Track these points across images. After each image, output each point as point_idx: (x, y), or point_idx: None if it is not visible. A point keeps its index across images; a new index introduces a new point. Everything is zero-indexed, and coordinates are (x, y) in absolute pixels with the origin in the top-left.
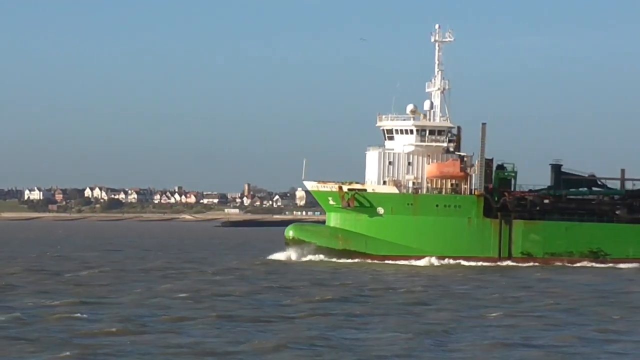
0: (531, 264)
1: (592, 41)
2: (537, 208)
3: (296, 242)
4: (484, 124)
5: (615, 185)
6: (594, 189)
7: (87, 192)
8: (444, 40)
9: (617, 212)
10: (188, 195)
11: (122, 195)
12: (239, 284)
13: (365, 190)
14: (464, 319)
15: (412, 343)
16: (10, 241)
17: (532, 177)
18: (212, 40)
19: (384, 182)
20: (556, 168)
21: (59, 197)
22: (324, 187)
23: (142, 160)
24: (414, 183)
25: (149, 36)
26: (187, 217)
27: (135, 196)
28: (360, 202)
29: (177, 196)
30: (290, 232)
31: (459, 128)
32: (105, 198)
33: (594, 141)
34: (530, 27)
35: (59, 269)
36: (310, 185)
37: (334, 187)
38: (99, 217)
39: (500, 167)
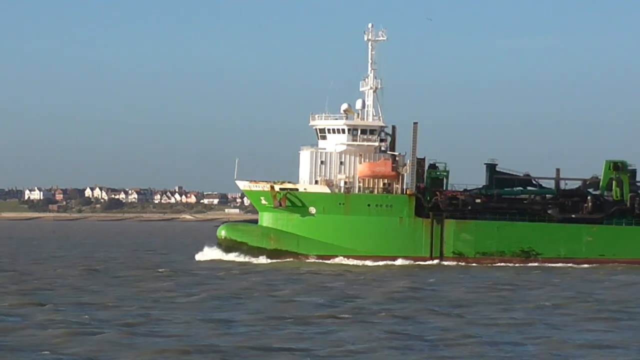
0: (463, 263)
1: (525, 42)
2: (469, 207)
3: (228, 242)
4: (415, 123)
5: (551, 185)
6: (528, 188)
7: (88, 192)
8: (377, 39)
9: (549, 212)
10: (188, 195)
11: (122, 195)
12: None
13: (296, 189)
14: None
15: None
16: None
17: (470, 177)
18: (213, 40)
19: (316, 182)
20: (491, 167)
21: (59, 197)
22: (256, 186)
23: (142, 160)
24: (345, 182)
25: (150, 36)
26: (188, 217)
27: (136, 196)
28: (292, 202)
29: (177, 196)
30: (222, 232)
31: (393, 127)
32: (106, 198)
33: (530, 141)
34: (466, 28)
35: None
36: (243, 185)
37: (266, 187)
38: (100, 217)
39: (433, 167)
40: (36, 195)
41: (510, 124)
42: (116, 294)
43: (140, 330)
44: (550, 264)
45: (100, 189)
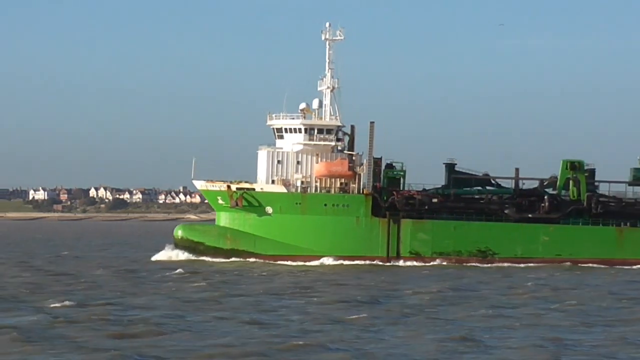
0: (420, 263)
1: (487, 40)
2: (426, 207)
3: (185, 242)
4: (371, 122)
5: (510, 184)
6: (486, 188)
7: (92, 192)
8: (334, 38)
9: (505, 212)
10: (193, 195)
11: (127, 195)
12: None
13: (253, 189)
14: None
15: None
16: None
17: (432, 177)
18: (214, 39)
19: (273, 181)
20: (450, 167)
21: (63, 197)
22: (213, 186)
23: (147, 160)
24: (302, 182)
25: (153, 35)
26: (192, 217)
27: (140, 196)
28: (249, 202)
29: (182, 196)
30: (179, 232)
31: (352, 127)
32: (110, 198)
33: (490, 141)
34: (426, 27)
35: None
36: (199, 185)
37: (223, 187)
38: (104, 217)
39: (389, 166)
40: (40, 195)
41: (472, 123)
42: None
43: None
44: (508, 264)
45: (105, 189)
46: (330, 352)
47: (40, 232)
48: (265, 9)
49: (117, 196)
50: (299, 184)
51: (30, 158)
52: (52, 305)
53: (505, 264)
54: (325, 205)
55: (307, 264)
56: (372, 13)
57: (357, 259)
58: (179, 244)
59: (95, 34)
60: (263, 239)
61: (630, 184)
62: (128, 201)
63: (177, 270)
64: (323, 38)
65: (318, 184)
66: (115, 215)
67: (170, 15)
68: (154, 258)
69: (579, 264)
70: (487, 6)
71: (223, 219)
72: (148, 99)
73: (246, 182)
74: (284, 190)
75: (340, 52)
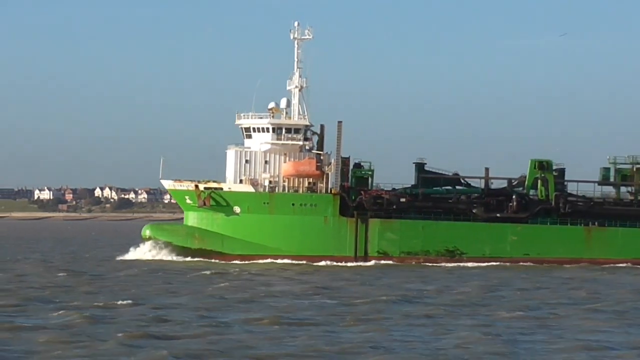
0: (389, 262)
1: (457, 40)
2: (394, 207)
3: (153, 242)
4: (339, 122)
5: (480, 184)
6: (456, 187)
7: (97, 192)
8: (303, 37)
9: (474, 211)
10: None
11: (132, 195)
12: None
13: (221, 189)
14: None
15: None
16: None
17: (402, 177)
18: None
19: (241, 181)
20: (419, 167)
21: (69, 196)
22: (181, 185)
23: (152, 160)
24: (270, 182)
25: (157, 34)
26: None
27: (145, 196)
28: (217, 201)
29: None
30: (147, 231)
31: (322, 126)
32: (115, 198)
33: (461, 140)
34: (393, 25)
35: None
36: (167, 184)
37: (190, 186)
38: (109, 216)
39: (358, 166)
40: (46, 195)
41: (444, 122)
42: None
43: None
44: (475, 263)
45: (110, 188)
46: None
47: (93, 230)
48: (234, 7)
49: (123, 196)
50: (266, 183)
51: (35, 158)
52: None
53: (473, 264)
54: (293, 204)
55: (277, 261)
56: (342, 12)
57: (325, 259)
58: (147, 244)
59: (106, 33)
60: (231, 239)
61: (599, 183)
62: (133, 201)
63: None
64: (292, 37)
65: (286, 184)
66: (120, 215)
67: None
68: (119, 258)
69: (546, 264)
70: (456, 5)
71: (191, 218)
72: (146, 100)
73: (214, 181)
74: (251, 189)
75: (309, 51)
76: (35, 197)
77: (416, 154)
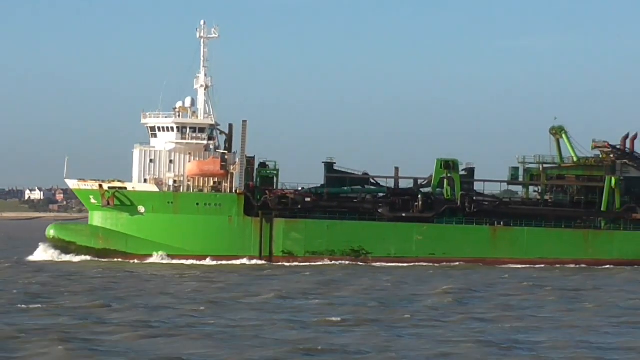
0: (293, 263)
1: (364, 37)
2: (299, 206)
3: (57, 242)
4: (244, 121)
5: (390, 183)
6: (364, 187)
7: None
8: (209, 36)
9: (379, 211)
10: None
11: None
12: None
13: (125, 188)
14: None
15: None
16: None
17: (314, 176)
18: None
19: (145, 180)
20: (328, 166)
21: (59, 197)
22: (85, 185)
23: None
24: (175, 181)
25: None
26: None
27: None
28: (121, 201)
29: None
30: (51, 232)
31: (230, 126)
32: None
33: (370, 140)
34: (304, 24)
35: None
36: (72, 184)
37: (95, 186)
38: None
39: (263, 165)
40: (37, 195)
41: (354, 122)
42: None
43: None
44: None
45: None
46: None
47: None
48: (140, 5)
49: None
50: (171, 183)
51: (26, 158)
52: None
53: (379, 264)
54: (198, 204)
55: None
56: (249, 10)
57: (230, 259)
58: (51, 244)
59: (103, 33)
60: (135, 239)
61: (508, 183)
62: None
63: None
64: (198, 36)
65: (191, 183)
66: None
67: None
68: (29, 258)
69: (452, 263)
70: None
71: (96, 218)
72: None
73: (119, 181)
74: (156, 189)
75: (215, 50)
76: (26, 197)
77: (328, 153)
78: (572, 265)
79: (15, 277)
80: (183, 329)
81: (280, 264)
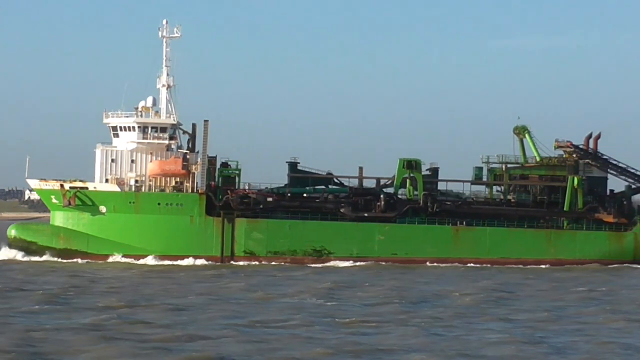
0: (254, 262)
1: (325, 36)
2: (261, 206)
3: (18, 242)
4: (205, 121)
5: (354, 183)
6: (322, 187)
7: None
8: (171, 36)
9: (341, 210)
10: None
11: None
12: None
13: (86, 188)
14: None
15: None
16: None
17: (280, 176)
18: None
19: (107, 180)
20: (292, 166)
21: None
22: (47, 185)
23: None
24: (136, 181)
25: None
26: None
27: None
28: (83, 201)
29: None
30: (12, 232)
31: (194, 125)
32: None
33: (334, 140)
34: (268, 21)
35: None
36: (33, 184)
37: (56, 186)
38: None
39: (225, 165)
40: (36, 195)
41: (318, 122)
42: None
43: None
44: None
45: None
46: None
47: None
48: (104, 3)
49: None
50: (132, 182)
51: (25, 158)
52: None
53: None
54: (159, 204)
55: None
56: (211, 9)
57: (192, 259)
58: (13, 244)
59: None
60: (96, 239)
61: (472, 183)
62: None
63: None
64: (160, 35)
65: (152, 183)
66: None
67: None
68: None
69: (415, 263)
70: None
71: (58, 218)
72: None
73: (80, 180)
74: (117, 189)
75: (178, 50)
76: (26, 197)
77: (294, 153)
78: (534, 266)
79: None
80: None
81: (240, 263)
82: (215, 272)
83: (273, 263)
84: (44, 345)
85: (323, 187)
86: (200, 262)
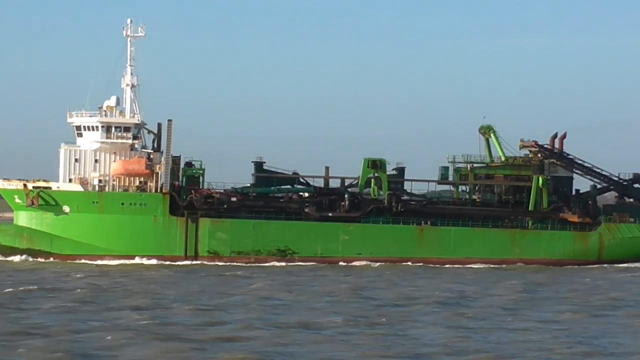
0: (218, 262)
1: (296, 38)
2: (225, 206)
3: None
4: (169, 120)
5: (319, 183)
6: (287, 186)
7: None
8: (136, 35)
9: (306, 210)
10: None
11: None
12: None
13: (50, 188)
14: None
15: None
16: None
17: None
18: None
19: (70, 180)
20: (258, 165)
21: None
22: (10, 184)
23: None
24: (100, 181)
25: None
26: None
27: None
28: (46, 201)
29: None
30: None
31: (159, 125)
32: None
33: (303, 139)
34: (235, 20)
35: None
36: None
37: (19, 185)
38: None
39: (189, 165)
40: None
41: (284, 121)
42: None
43: None
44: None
45: None
46: None
47: None
48: (66, 2)
49: None
50: (96, 182)
51: (25, 159)
52: None
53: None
54: (123, 204)
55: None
56: (176, 8)
57: (156, 259)
58: None
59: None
60: (60, 239)
61: (438, 182)
62: None
63: None
64: (124, 35)
65: (116, 183)
66: None
67: None
68: None
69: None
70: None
71: (21, 218)
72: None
73: (44, 180)
74: (80, 189)
75: (142, 49)
76: None
77: (260, 153)
78: (497, 265)
79: None
80: None
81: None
82: (174, 272)
83: (234, 263)
84: None
85: (288, 186)
86: (154, 261)
